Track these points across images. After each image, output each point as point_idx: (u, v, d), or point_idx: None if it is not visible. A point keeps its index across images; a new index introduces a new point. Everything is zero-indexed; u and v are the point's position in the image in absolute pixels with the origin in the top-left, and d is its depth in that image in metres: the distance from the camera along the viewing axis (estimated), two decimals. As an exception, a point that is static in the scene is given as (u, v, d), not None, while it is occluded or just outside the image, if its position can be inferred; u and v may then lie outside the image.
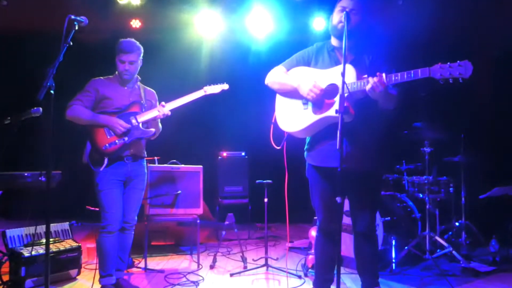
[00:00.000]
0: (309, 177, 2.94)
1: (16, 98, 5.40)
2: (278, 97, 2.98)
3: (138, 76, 3.54)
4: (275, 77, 2.91)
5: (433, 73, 2.32)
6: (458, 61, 2.27)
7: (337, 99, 2.61)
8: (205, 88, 3.66)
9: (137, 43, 3.43)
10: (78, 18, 2.55)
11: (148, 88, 3.64)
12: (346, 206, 3.02)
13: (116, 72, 3.45)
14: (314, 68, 2.84)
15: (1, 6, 5.58)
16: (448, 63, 2.29)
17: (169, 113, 3.44)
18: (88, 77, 3.44)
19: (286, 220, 3.29)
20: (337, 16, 2.73)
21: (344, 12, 2.59)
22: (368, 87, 2.48)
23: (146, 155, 3.59)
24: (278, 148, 3.02)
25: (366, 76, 2.53)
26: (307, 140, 2.94)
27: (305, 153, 2.94)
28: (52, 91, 2.34)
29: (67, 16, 2.50)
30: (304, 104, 2.80)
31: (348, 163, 2.61)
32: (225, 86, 3.74)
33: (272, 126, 2.99)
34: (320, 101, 2.70)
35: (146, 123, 3.44)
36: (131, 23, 6.20)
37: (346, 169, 2.61)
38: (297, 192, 3.53)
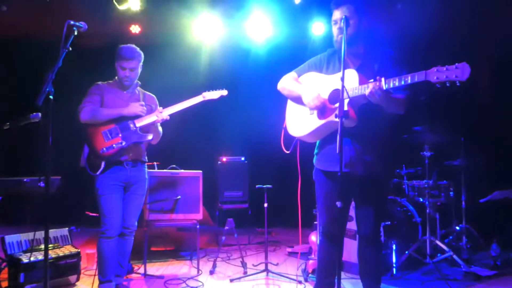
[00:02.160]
0: (315, 180, 2.96)
1: (15, 103, 5.40)
2: (289, 103, 3.04)
3: (138, 81, 3.55)
4: (285, 84, 2.98)
5: (429, 76, 2.30)
6: (456, 64, 2.25)
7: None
8: (204, 93, 3.67)
9: (138, 49, 3.43)
10: (77, 24, 2.55)
11: (148, 93, 3.64)
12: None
13: (116, 77, 3.46)
14: (324, 73, 2.86)
15: (1, 11, 5.60)
16: (446, 66, 2.27)
17: (168, 117, 3.45)
18: (88, 83, 3.45)
19: (299, 223, 3.30)
20: (334, 31, 2.78)
21: (337, 26, 2.68)
22: (367, 91, 2.48)
23: (146, 160, 3.59)
24: (288, 152, 3.05)
25: (372, 80, 2.52)
26: (317, 144, 2.97)
27: (314, 157, 2.97)
28: (51, 97, 2.35)
29: (66, 22, 2.50)
30: (311, 109, 2.82)
31: (353, 168, 2.63)
32: (224, 92, 3.75)
33: (283, 131, 3.05)
34: (323, 107, 2.72)
35: (144, 128, 3.43)
36: (131, 28, 6.21)
37: (351, 173, 2.62)
38: (297, 196, 3.51)
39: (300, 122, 2.91)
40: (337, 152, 2.27)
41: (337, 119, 2.34)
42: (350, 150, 2.69)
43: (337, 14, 2.73)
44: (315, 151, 2.97)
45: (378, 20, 5.47)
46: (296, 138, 3.00)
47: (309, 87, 2.82)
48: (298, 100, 2.89)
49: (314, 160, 2.96)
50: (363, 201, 2.83)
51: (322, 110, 2.75)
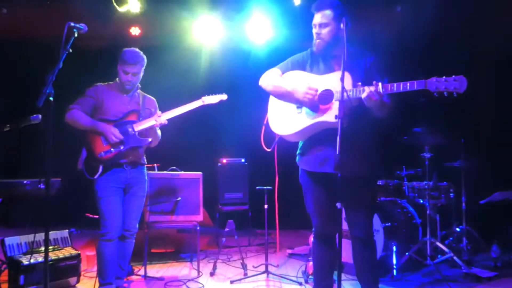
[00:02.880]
0: (302, 182, 2.93)
1: (15, 105, 5.40)
2: (272, 99, 2.97)
3: (139, 84, 3.54)
4: (270, 80, 2.90)
5: (429, 86, 2.34)
6: (453, 76, 2.30)
7: (333, 105, 2.62)
8: (203, 98, 3.65)
9: (141, 53, 3.43)
10: (77, 26, 2.56)
11: (148, 96, 3.64)
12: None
13: (117, 79, 3.45)
14: (309, 73, 2.84)
15: (1, 13, 5.60)
16: (444, 77, 2.31)
17: (166, 122, 3.43)
18: (88, 84, 3.45)
19: (276, 226, 3.26)
20: (313, 34, 2.79)
21: (315, 29, 2.71)
22: (364, 95, 2.48)
23: (146, 162, 3.58)
24: (269, 150, 3.01)
25: (360, 83, 2.54)
26: (300, 144, 2.93)
27: (298, 157, 2.93)
28: (51, 98, 2.35)
29: (66, 23, 2.51)
30: (298, 108, 2.80)
31: (342, 169, 2.61)
32: (224, 97, 3.73)
33: (263, 127, 2.99)
34: (314, 106, 2.70)
35: (143, 132, 3.43)
36: (131, 30, 6.22)
37: (341, 175, 2.60)
38: (297, 198, 3.52)
39: (286, 120, 2.84)
40: (337, 153, 2.27)
41: (335, 120, 2.35)
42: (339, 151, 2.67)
43: (317, 18, 2.75)
44: (298, 151, 2.93)
45: (374, 23, 5.49)
46: (278, 137, 2.95)
47: (298, 82, 2.77)
48: (285, 96, 2.82)
49: (297, 161, 2.93)
50: (354, 203, 2.80)
51: (312, 110, 2.72)
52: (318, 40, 2.75)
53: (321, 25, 2.72)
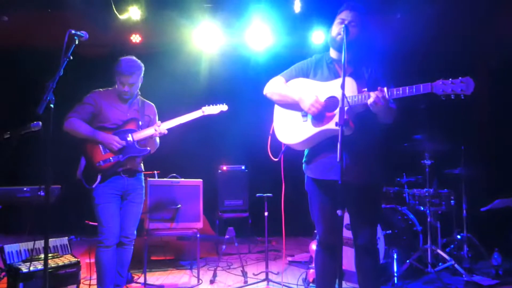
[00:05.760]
0: (308, 190, 2.92)
1: (15, 112, 5.41)
2: (277, 108, 2.96)
3: (138, 91, 3.52)
4: (275, 88, 2.89)
5: (435, 89, 2.31)
6: (460, 78, 2.26)
7: (337, 111, 2.61)
8: (204, 108, 3.64)
9: (138, 61, 3.39)
10: (78, 33, 2.56)
11: (148, 102, 3.61)
12: (347, 219, 3.00)
13: (115, 85, 3.43)
14: (313, 79, 2.84)
15: (2, 21, 5.62)
16: (450, 79, 2.28)
17: (166, 131, 3.41)
18: (88, 92, 3.44)
19: (283, 233, 3.26)
20: (336, 28, 2.75)
21: (343, 25, 2.60)
22: (370, 101, 2.47)
23: (143, 169, 3.56)
24: (276, 159, 3.00)
25: (365, 89, 2.53)
26: (306, 152, 2.92)
27: (304, 165, 2.92)
28: (52, 105, 2.35)
29: (67, 31, 2.52)
30: (303, 116, 2.79)
31: (347, 176, 2.59)
32: (224, 107, 3.73)
33: (270, 137, 2.97)
34: (320, 114, 2.70)
35: (142, 141, 3.42)
36: (131, 37, 6.24)
37: (346, 182, 2.59)
38: (297, 205, 3.51)
39: (292, 129, 2.83)
40: (338, 160, 2.25)
41: (337, 127, 2.34)
42: (345, 159, 2.66)
43: (346, 15, 2.71)
44: (304, 159, 2.92)
45: (377, 29, 5.50)
46: (284, 145, 2.93)
47: (304, 91, 2.76)
48: (291, 105, 2.81)
49: (304, 169, 2.91)
50: (358, 210, 2.79)
51: (318, 117, 2.71)
52: (340, 36, 2.67)
53: (350, 23, 2.68)
